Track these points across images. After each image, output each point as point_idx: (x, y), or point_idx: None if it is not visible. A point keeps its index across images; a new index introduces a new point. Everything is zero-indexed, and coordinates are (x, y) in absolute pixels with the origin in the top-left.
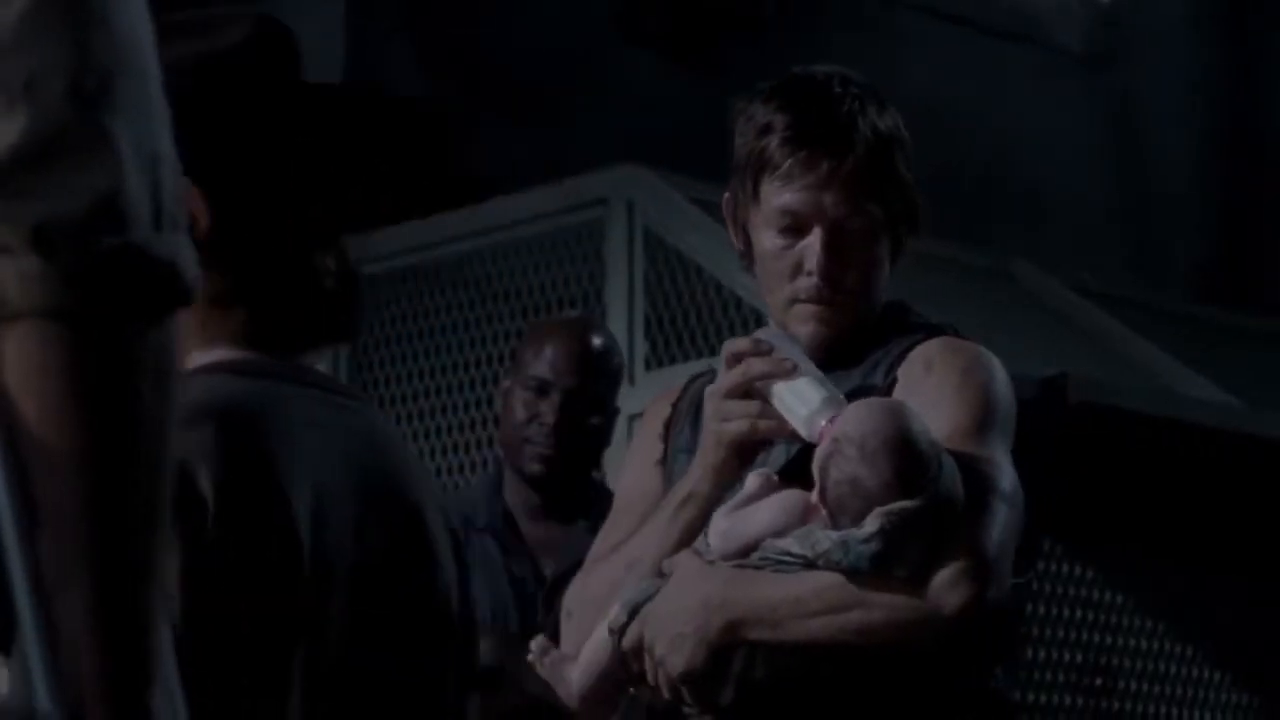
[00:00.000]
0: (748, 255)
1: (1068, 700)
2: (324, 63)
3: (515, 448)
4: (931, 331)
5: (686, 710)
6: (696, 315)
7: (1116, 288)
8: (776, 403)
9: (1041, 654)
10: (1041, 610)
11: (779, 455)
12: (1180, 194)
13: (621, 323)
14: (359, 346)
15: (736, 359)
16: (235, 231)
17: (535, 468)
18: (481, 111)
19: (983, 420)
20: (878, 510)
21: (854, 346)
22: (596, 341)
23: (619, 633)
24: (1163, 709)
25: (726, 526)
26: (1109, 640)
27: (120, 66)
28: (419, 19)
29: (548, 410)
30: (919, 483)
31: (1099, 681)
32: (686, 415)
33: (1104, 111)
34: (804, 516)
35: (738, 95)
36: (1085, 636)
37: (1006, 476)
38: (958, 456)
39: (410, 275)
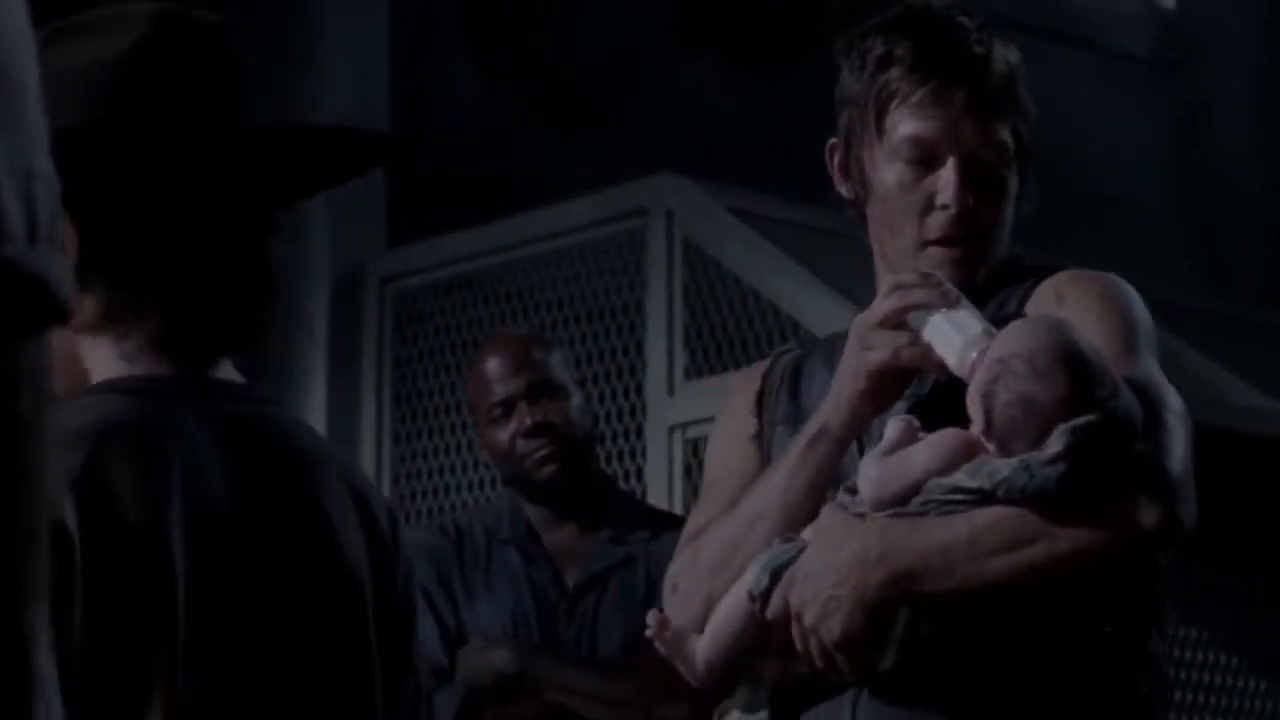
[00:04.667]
0: (859, 201)
1: None
2: (370, 70)
3: (519, 473)
4: (1055, 270)
5: (835, 680)
6: (735, 325)
7: (1172, 294)
8: (929, 333)
9: None
10: None
11: (911, 389)
12: (1248, 199)
13: (661, 332)
14: (402, 358)
15: (898, 288)
16: (107, 248)
17: (546, 471)
18: (537, 120)
19: (1132, 342)
20: (1061, 427)
21: (982, 294)
22: (517, 337)
23: (761, 599)
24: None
25: (878, 473)
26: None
27: None
28: (470, 27)
29: (522, 417)
30: (1097, 397)
31: None
32: (781, 387)
33: (1170, 116)
34: (965, 455)
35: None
36: None
37: (1173, 394)
38: (1124, 378)
39: (451, 286)
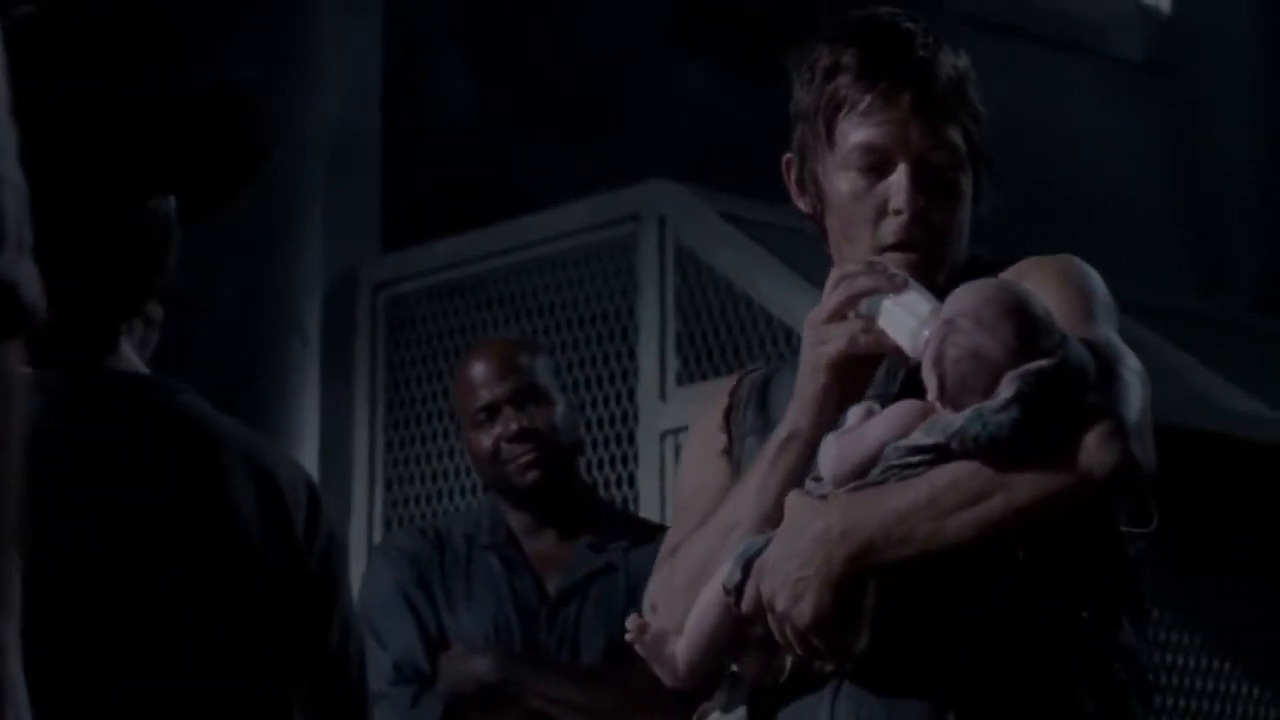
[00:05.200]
0: (817, 214)
1: None
2: (364, 73)
3: (501, 478)
4: (1014, 262)
5: (816, 671)
6: (728, 330)
7: (1167, 298)
8: (882, 320)
9: None
10: None
11: (879, 389)
12: (1242, 204)
13: (653, 338)
14: (395, 363)
15: (844, 278)
16: None
17: (530, 477)
18: (532, 124)
19: (1090, 311)
20: (1011, 374)
21: (943, 296)
22: (503, 342)
23: (735, 592)
24: None
25: (837, 450)
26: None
27: None
28: (464, 31)
29: (507, 422)
30: (1046, 346)
31: None
32: (748, 401)
33: (1165, 120)
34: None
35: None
36: None
37: (1132, 356)
38: (1080, 340)
39: (445, 292)
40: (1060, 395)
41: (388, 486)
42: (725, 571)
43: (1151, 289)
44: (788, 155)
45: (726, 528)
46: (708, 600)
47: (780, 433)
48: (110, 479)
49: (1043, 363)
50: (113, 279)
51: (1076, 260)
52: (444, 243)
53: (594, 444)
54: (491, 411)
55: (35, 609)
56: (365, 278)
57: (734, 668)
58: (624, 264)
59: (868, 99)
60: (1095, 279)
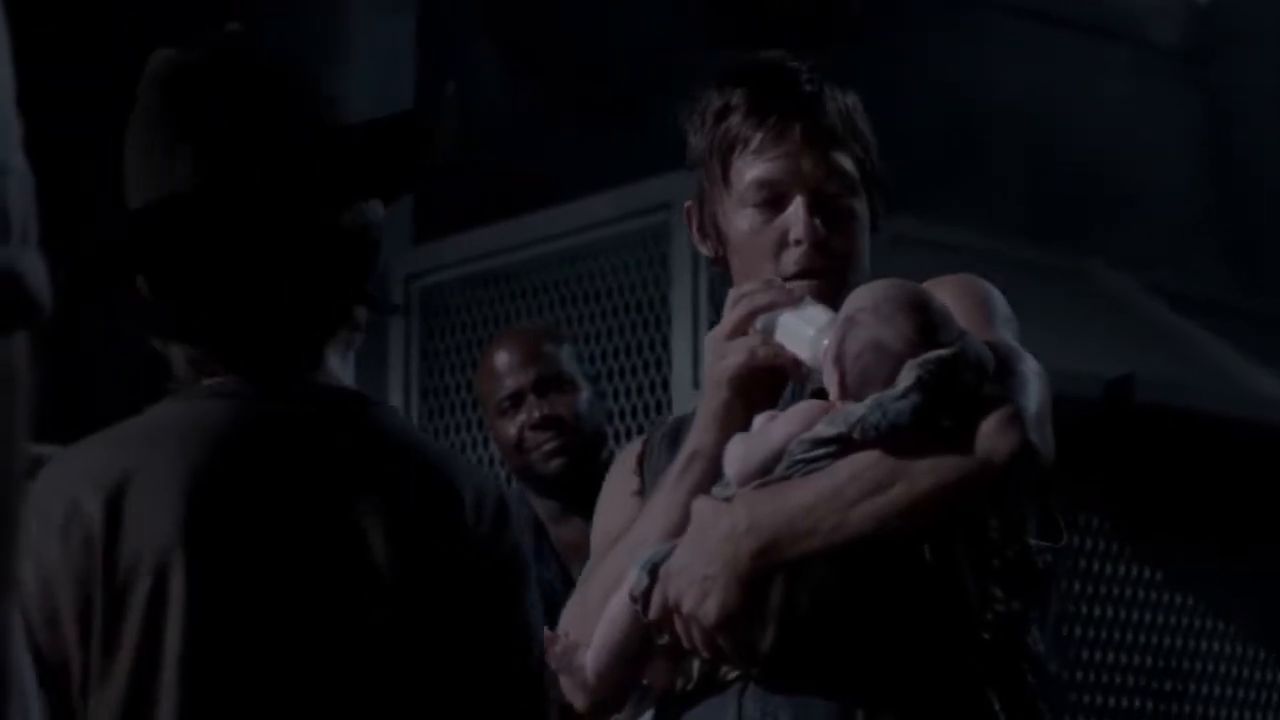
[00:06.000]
0: (720, 257)
1: (1137, 704)
2: (396, 66)
3: (526, 466)
4: None
5: (725, 670)
6: None
7: (1202, 287)
8: (780, 333)
9: (1110, 657)
10: (1110, 613)
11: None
12: (1278, 193)
13: (686, 327)
14: (429, 353)
15: (742, 296)
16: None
17: (554, 464)
18: (561, 115)
19: (990, 320)
20: (910, 363)
21: None
22: (527, 330)
23: (642, 598)
24: (1234, 713)
25: (742, 450)
26: (1179, 643)
27: None
28: (496, 23)
29: (531, 410)
30: (945, 338)
31: (1168, 685)
32: (661, 445)
33: (1201, 109)
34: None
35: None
36: (1155, 639)
37: (1031, 359)
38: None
39: (477, 282)
40: (959, 382)
41: None
42: (631, 579)
43: (1186, 277)
44: (688, 203)
45: (634, 545)
46: (615, 609)
47: (685, 450)
48: (297, 486)
49: (941, 351)
50: (321, 290)
51: (976, 277)
52: (477, 233)
53: (628, 433)
54: (515, 400)
55: (211, 611)
56: (398, 269)
57: (645, 681)
58: (657, 253)
59: (759, 136)
60: (995, 294)
